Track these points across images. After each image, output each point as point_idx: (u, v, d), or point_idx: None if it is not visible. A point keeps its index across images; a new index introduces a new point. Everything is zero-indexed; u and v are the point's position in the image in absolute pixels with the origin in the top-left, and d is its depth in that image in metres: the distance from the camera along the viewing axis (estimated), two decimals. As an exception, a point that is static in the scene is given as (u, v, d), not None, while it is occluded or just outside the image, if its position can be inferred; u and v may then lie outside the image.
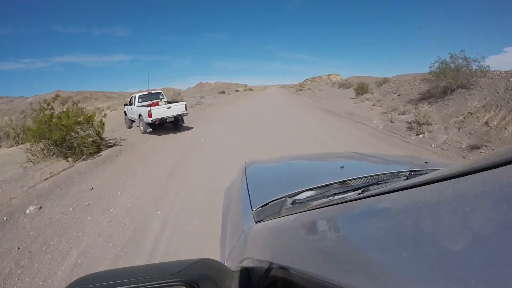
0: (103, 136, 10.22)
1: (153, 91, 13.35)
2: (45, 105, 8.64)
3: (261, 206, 1.51)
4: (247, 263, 0.96)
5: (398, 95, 17.56)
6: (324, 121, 13.55)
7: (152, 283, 0.66)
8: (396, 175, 1.63)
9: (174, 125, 12.27)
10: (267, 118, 15.73)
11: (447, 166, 0.60)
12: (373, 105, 17.47)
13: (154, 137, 11.46)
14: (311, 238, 0.80)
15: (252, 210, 1.51)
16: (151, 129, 11.28)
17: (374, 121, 12.04)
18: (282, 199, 1.51)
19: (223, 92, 70.07)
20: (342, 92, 35.64)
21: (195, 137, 10.98)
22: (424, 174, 0.89)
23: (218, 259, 0.92)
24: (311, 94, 39.11)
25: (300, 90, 51.58)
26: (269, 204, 1.51)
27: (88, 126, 9.16)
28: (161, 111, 10.87)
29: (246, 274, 0.85)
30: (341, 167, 1.91)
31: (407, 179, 1.52)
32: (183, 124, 12.72)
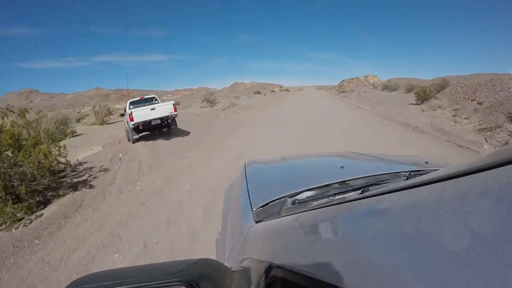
0: (81, 162, 8.29)
1: (146, 96, 12.50)
2: None
3: (261, 206, 1.54)
4: (247, 263, 0.99)
5: (479, 103, 14.35)
6: (415, 144, 9.06)
7: (152, 283, 0.68)
8: (396, 175, 1.67)
9: (168, 130, 11.23)
10: (326, 134, 11.24)
11: (447, 166, 0.61)
12: (453, 116, 14.32)
13: (159, 163, 8.73)
14: (311, 238, 0.80)
15: (252, 210, 1.54)
16: (137, 136, 10.27)
17: (485, 146, 8.47)
18: (282, 199, 1.54)
19: (258, 93, 69.61)
20: (390, 95, 32.55)
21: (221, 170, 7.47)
22: (424, 174, 0.88)
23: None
24: (358, 97, 35.07)
25: (343, 92, 48.04)
26: (269, 204, 1.54)
27: (24, 155, 5.67)
28: (144, 113, 9.74)
29: (246, 274, 0.88)
30: (341, 167, 1.92)
31: (407, 179, 1.55)
32: (176, 128, 11.69)
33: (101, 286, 0.67)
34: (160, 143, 11.23)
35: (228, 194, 2.36)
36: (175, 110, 10.45)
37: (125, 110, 12.11)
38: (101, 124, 29.10)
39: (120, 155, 9.82)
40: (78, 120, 44.02)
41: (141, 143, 11.32)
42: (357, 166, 2.33)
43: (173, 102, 10.64)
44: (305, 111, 21.12)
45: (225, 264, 0.97)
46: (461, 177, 0.45)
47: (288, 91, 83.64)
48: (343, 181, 1.63)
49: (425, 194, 0.50)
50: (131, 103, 11.88)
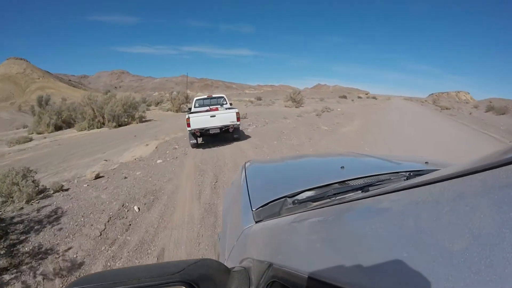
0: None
1: (214, 95, 11.87)
2: None
3: (261, 206, 1.57)
4: (247, 263, 1.02)
5: None
6: None
7: (152, 283, 0.71)
8: (396, 175, 1.71)
9: (232, 135, 10.06)
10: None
11: (447, 166, 0.64)
12: None
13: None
14: (311, 238, 0.81)
15: (252, 210, 1.57)
16: (195, 141, 9.41)
17: None
18: (282, 199, 1.57)
19: (344, 97, 68.05)
20: (505, 120, 23.87)
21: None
22: (424, 174, 0.86)
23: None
24: (472, 119, 24.42)
25: (446, 109, 38.60)
26: (269, 204, 1.57)
27: None
28: (202, 120, 8.86)
29: (246, 274, 0.91)
30: (341, 167, 1.94)
31: (407, 179, 1.58)
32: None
33: (101, 286, 0.69)
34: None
35: (228, 194, 2.43)
36: (238, 120, 9.36)
37: (190, 108, 11.34)
38: (177, 111, 27.50)
39: (160, 185, 7.36)
40: (157, 104, 44.81)
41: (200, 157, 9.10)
42: (357, 166, 2.35)
43: (236, 110, 9.50)
44: (429, 135, 14.53)
45: (225, 264, 0.96)
46: (461, 177, 0.46)
47: (376, 99, 76.24)
48: (343, 181, 1.67)
49: (425, 194, 0.51)
50: (196, 101, 11.38)
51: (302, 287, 0.62)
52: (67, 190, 6.49)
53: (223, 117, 9.18)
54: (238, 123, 9.44)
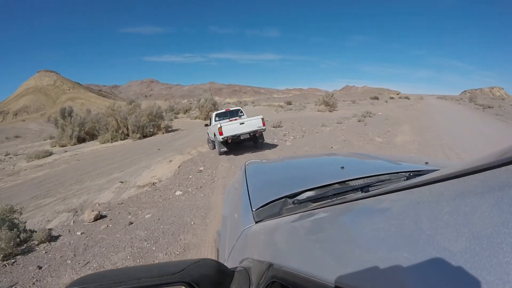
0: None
1: (231, 109, 12.73)
2: None
3: (261, 206, 1.57)
4: (247, 263, 1.02)
5: None
6: None
7: (152, 283, 0.71)
8: (396, 175, 1.72)
9: (254, 143, 11.00)
10: None
11: (447, 166, 0.65)
12: None
13: None
14: (311, 239, 0.81)
15: (252, 210, 1.57)
16: (226, 149, 10.08)
17: None
18: (282, 199, 1.57)
19: (376, 98, 65.60)
20: None
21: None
22: (424, 174, 0.88)
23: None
24: None
25: (488, 107, 33.85)
26: (269, 204, 1.57)
27: None
28: (233, 128, 9.73)
29: (246, 274, 0.92)
30: (341, 167, 1.97)
31: (407, 179, 1.57)
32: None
33: (101, 286, 0.69)
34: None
35: (229, 194, 2.41)
36: (263, 125, 10.23)
37: (210, 122, 12.30)
38: (205, 119, 26.57)
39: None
40: (185, 112, 44.35)
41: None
42: (357, 166, 2.34)
43: (261, 116, 10.26)
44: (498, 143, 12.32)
45: (225, 264, 0.96)
46: (461, 177, 0.47)
47: (408, 99, 72.20)
48: (343, 181, 1.68)
49: (425, 194, 0.52)
50: (216, 115, 12.14)
51: (302, 287, 0.62)
52: (56, 238, 5.14)
53: (251, 124, 10.02)
54: (264, 127, 10.23)
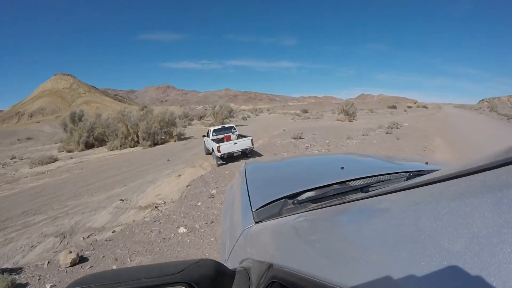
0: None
1: (226, 125, 14.69)
2: None
3: (261, 207, 1.58)
4: (247, 264, 1.03)
5: None
6: None
7: (152, 283, 0.72)
8: (396, 175, 1.74)
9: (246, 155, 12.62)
10: None
11: (447, 166, 0.66)
12: None
13: None
14: (311, 239, 0.81)
15: (252, 211, 1.58)
16: (222, 162, 11.53)
17: None
18: (282, 199, 1.59)
19: (394, 107, 63.94)
20: None
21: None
22: (424, 174, 0.89)
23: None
24: None
25: None
26: (269, 204, 1.58)
27: None
28: (228, 147, 11.57)
29: (246, 275, 0.92)
30: (341, 168, 1.99)
31: (407, 179, 1.59)
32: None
33: (102, 286, 0.70)
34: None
35: (229, 194, 2.43)
36: (252, 144, 12.16)
37: (207, 134, 13.89)
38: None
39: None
40: (200, 118, 43.78)
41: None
42: (357, 167, 2.36)
43: (251, 138, 12.24)
44: None
45: (225, 264, 0.97)
46: (461, 178, 0.48)
47: (426, 107, 69.94)
48: (343, 182, 1.70)
49: (425, 194, 0.53)
50: (214, 130, 13.75)
51: (302, 287, 0.63)
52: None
53: (243, 143, 11.97)
54: (252, 146, 12.24)
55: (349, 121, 27.34)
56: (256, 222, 1.44)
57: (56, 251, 5.02)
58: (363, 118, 30.62)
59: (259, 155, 12.70)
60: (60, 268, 4.48)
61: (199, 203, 6.79)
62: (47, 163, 14.62)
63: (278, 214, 1.47)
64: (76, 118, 21.52)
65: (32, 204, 7.94)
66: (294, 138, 15.55)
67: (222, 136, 13.42)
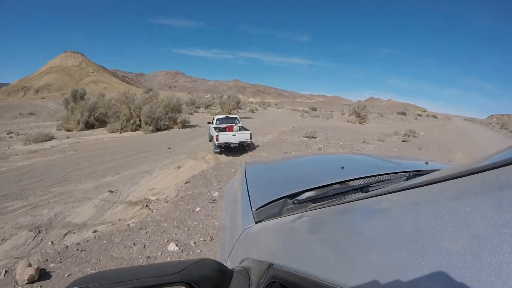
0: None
1: (230, 116, 15.15)
2: None
3: (261, 207, 1.56)
4: (247, 263, 1.02)
5: None
6: None
7: (152, 283, 0.71)
8: (396, 175, 1.73)
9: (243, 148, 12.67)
10: None
11: (447, 166, 0.67)
12: None
13: None
14: (311, 238, 0.82)
15: (252, 211, 1.56)
16: (219, 150, 11.78)
17: None
18: (282, 199, 1.57)
19: (403, 114, 62.89)
20: None
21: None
22: (424, 174, 0.88)
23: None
24: None
25: None
26: (269, 204, 1.56)
27: None
28: (227, 137, 11.74)
29: (246, 274, 0.92)
30: (341, 168, 1.97)
31: (407, 179, 1.58)
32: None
33: (102, 286, 0.69)
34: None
35: (228, 194, 2.41)
36: (250, 138, 12.13)
37: (212, 121, 14.36)
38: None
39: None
40: (206, 107, 43.00)
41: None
42: (357, 167, 2.34)
43: (250, 132, 12.22)
44: None
45: (225, 264, 0.97)
46: (461, 178, 0.48)
47: (436, 117, 68.57)
48: (344, 181, 1.68)
49: (425, 194, 0.53)
50: (218, 119, 14.30)
51: (302, 287, 0.63)
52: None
53: (241, 136, 12.00)
54: (250, 140, 12.19)
55: (360, 123, 26.44)
56: (256, 222, 1.44)
57: (18, 258, 4.15)
58: (374, 122, 29.65)
59: (256, 149, 12.16)
60: (17, 284, 3.58)
61: (197, 209, 5.79)
62: (42, 141, 13.87)
63: (278, 214, 1.46)
64: (78, 97, 20.79)
65: (15, 187, 7.19)
66: (306, 137, 14.73)
67: (225, 125, 13.81)
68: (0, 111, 39.95)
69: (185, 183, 7.22)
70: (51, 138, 14.57)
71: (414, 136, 18.18)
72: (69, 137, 15.32)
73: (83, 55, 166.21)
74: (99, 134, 16.57)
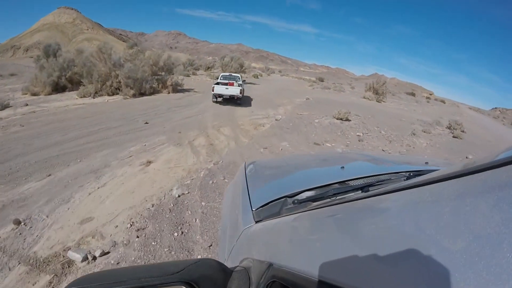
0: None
1: (233, 74, 17.09)
2: None
3: (261, 206, 1.55)
4: (247, 263, 1.01)
5: None
6: None
7: (152, 283, 0.71)
8: (396, 175, 1.73)
9: (237, 101, 14.37)
10: None
11: (447, 166, 0.66)
12: None
13: None
14: (311, 238, 0.82)
15: (252, 210, 1.55)
16: (216, 100, 14.10)
17: None
18: (282, 199, 1.55)
19: (412, 94, 60.81)
20: None
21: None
22: (424, 174, 0.87)
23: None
24: None
25: None
26: (269, 204, 1.55)
27: None
28: (221, 89, 13.74)
29: (246, 274, 0.91)
30: (341, 167, 1.98)
31: (407, 179, 1.59)
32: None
33: (101, 286, 0.69)
34: None
35: (228, 194, 2.39)
36: (240, 94, 13.87)
37: (217, 79, 16.79)
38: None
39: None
40: (206, 69, 39.58)
41: None
42: (357, 166, 2.34)
43: (240, 88, 13.94)
44: None
45: (225, 263, 0.96)
46: (461, 177, 0.48)
47: (444, 103, 65.12)
48: (343, 181, 1.67)
49: (425, 194, 0.53)
50: (222, 76, 16.55)
51: (302, 287, 0.63)
52: None
53: (232, 90, 13.81)
54: (240, 95, 13.92)
55: (377, 101, 23.67)
56: (256, 222, 1.41)
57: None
58: (390, 101, 26.49)
59: (273, 134, 9.12)
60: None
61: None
62: (-10, 110, 10.79)
63: (278, 214, 1.43)
64: (50, 53, 17.50)
65: None
66: (339, 119, 11.71)
67: (227, 82, 14.53)
68: (-23, 70, 36.56)
69: (152, 205, 4.04)
70: (5, 107, 11.39)
71: (462, 131, 14.33)
72: (27, 105, 12.09)
73: (78, 11, 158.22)
74: (67, 100, 13.24)
